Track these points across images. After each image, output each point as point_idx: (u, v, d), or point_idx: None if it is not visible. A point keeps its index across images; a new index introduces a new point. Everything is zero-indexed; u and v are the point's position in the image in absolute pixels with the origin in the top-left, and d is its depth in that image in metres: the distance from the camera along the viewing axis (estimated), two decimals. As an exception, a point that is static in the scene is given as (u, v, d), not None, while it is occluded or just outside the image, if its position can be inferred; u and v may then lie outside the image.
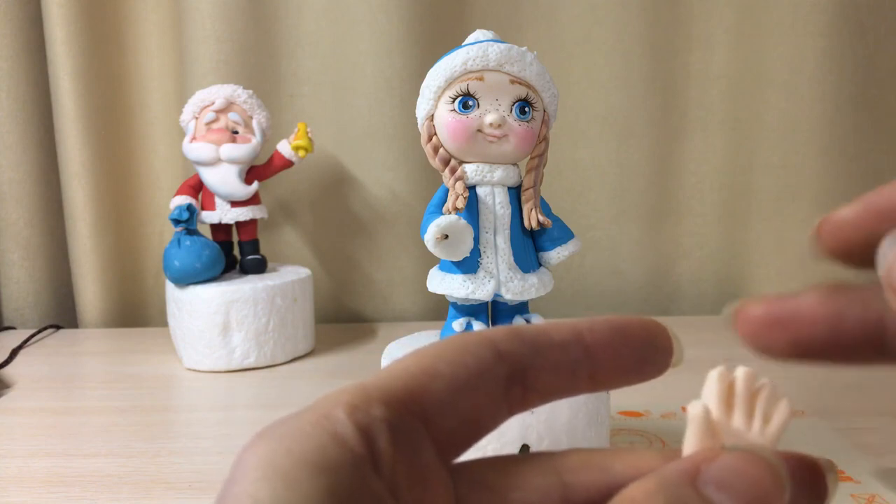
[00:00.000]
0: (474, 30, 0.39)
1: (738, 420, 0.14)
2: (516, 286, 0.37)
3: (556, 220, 0.39)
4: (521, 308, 0.39)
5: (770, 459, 0.13)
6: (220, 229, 0.68)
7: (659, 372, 0.16)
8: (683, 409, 0.50)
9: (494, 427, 0.16)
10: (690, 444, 0.14)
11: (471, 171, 0.37)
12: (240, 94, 0.65)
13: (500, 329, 0.16)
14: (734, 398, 0.14)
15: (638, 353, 0.16)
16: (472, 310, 0.38)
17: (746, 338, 0.15)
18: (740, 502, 0.13)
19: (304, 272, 0.68)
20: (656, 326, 0.16)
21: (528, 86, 0.37)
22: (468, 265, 0.37)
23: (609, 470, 0.15)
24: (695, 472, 0.13)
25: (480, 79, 0.36)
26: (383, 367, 0.15)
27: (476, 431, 0.15)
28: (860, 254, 0.14)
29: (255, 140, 0.65)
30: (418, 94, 0.38)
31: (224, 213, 0.65)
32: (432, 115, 0.37)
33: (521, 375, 0.15)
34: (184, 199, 0.64)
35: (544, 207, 0.39)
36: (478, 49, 0.36)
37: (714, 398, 0.14)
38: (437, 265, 0.39)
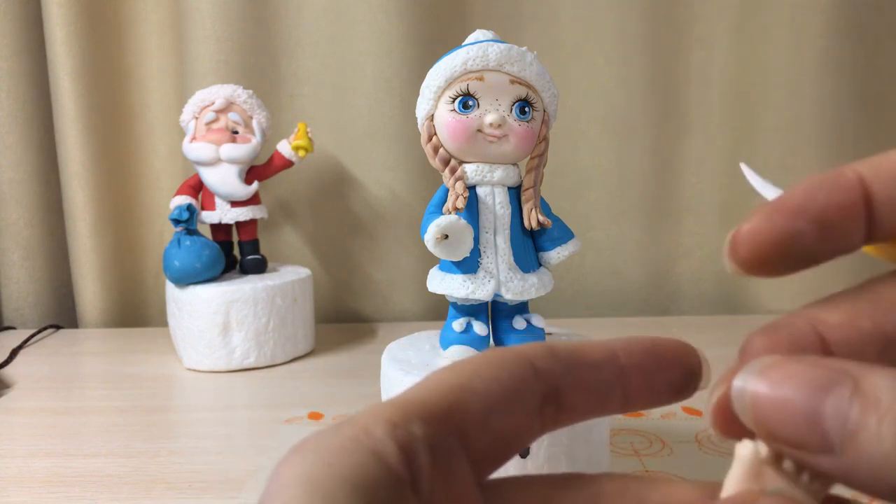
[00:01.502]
0: (474, 30, 0.39)
1: (789, 463, 0.13)
2: (516, 286, 0.37)
3: (556, 220, 0.39)
4: (521, 308, 0.39)
5: None
6: (220, 229, 0.68)
7: (687, 395, 0.16)
8: (683, 409, 0.50)
9: (527, 445, 0.15)
10: (733, 484, 0.14)
11: (471, 171, 0.37)
12: (240, 94, 0.65)
13: (536, 346, 0.16)
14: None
15: (670, 376, 0.16)
16: (472, 310, 0.38)
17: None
18: None
19: (304, 272, 0.68)
20: (688, 349, 0.16)
21: (528, 86, 0.37)
22: (468, 265, 0.37)
23: (645, 500, 0.15)
24: None
25: (480, 79, 0.36)
26: (419, 380, 0.15)
27: (509, 449, 0.15)
28: (778, 261, 0.14)
29: (255, 140, 0.65)
30: (418, 94, 0.38)
31: (224, 213, 0.65)
32: (432, 115, 0.37)
33: (554, 394, 0.15)
34: (184, 199, 0.64)
35: (544, 207, 0.39)
36: (478, 49, 0.36)
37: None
38: (437, 265, 0.39)
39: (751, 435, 0.14)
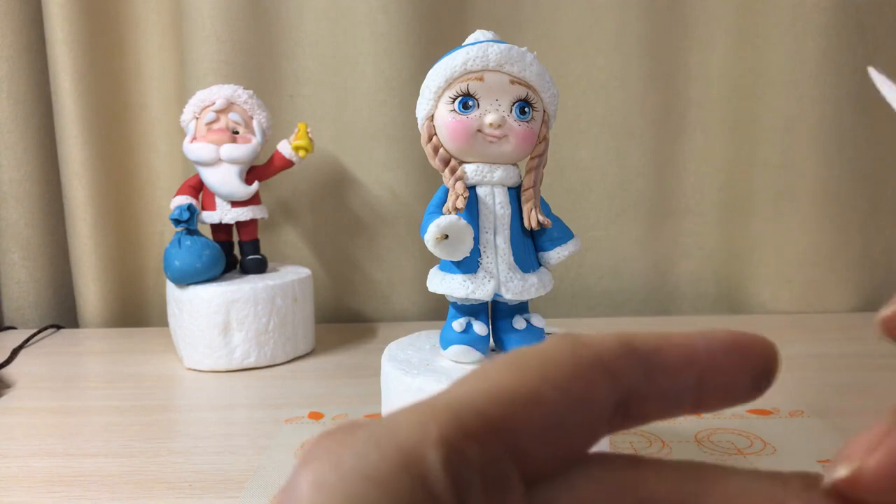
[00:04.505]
0: (474, 30, 0.39)
1: None
2: (516, 286, 0.37)
3: (556, 220, 0.39)
4: (521, 308, 0.39)
5: None
6: (220, 229, 0.68)
7: (757, 396, 0.15)
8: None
9: (586, 452, 0.14)
10: None
11: (471, 171, 0.37)
12: (240, 94, 0.65)
13: (613, 342, 0.14)
14: None
15: (748, 377, 0.14)
16: (472, 310, 0.38)
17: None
18: None
19: (304, 272, 0.68)
20: (767, 345, 0.15)
21: (528, 86, 0.37)
22: (468, 265, 0.37)
23: (701, 499, 0.13)
24: None
25: (480, 79, 0.36)
26: (478, 372, 0.13)
27: (567, 463, 0.14)
28: None
29: (256, 140, 0.65)
30: (418, 95, 0.38)
31: (224, 213, 0.65)
32: (432, 116, 0.37)
33: (626, 403, 0.14)
34: (184, 199, 0.64)
35: (544, 207, 0.39)
36: (478, 49, 0.36)
37: None
38: (437, 265, 0.39)
39: None
